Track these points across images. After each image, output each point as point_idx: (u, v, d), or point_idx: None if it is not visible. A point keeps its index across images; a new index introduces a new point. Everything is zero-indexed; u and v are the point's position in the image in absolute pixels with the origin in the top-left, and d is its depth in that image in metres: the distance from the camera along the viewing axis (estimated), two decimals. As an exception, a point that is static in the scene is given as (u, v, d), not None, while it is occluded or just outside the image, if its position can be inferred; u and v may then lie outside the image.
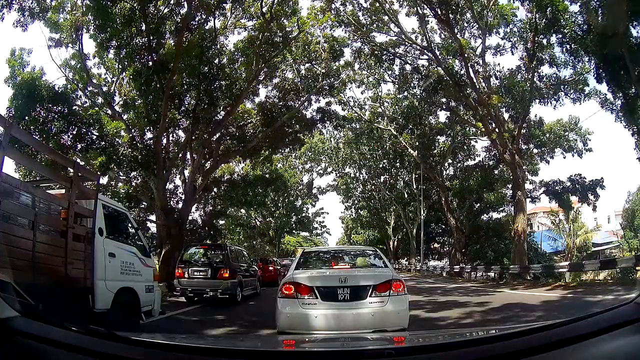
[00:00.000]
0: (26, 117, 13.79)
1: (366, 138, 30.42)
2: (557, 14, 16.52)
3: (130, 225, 6.51)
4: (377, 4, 20.69)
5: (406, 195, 34.99)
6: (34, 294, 1.93)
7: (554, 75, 21.45)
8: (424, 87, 23.25)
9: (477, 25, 20.44)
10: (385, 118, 28.86)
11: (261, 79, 19.04)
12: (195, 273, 11.17)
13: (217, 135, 18.82)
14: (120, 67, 16.79)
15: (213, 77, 16.66)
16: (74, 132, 15.00)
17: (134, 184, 19.28)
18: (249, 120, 20.02)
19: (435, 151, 30.03)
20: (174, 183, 20.97)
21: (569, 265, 16.03)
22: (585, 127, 25.51)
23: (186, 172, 19.36)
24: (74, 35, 15.91)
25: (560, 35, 17.43)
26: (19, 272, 3.63)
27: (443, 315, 7.89)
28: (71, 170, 5.28)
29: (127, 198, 18.77)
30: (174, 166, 18.55)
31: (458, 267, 25.41)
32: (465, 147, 30.14)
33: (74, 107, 15.83)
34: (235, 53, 18.59)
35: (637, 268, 13.00)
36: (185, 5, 14.91)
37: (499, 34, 21.41)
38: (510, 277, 18.41)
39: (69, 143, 15.10)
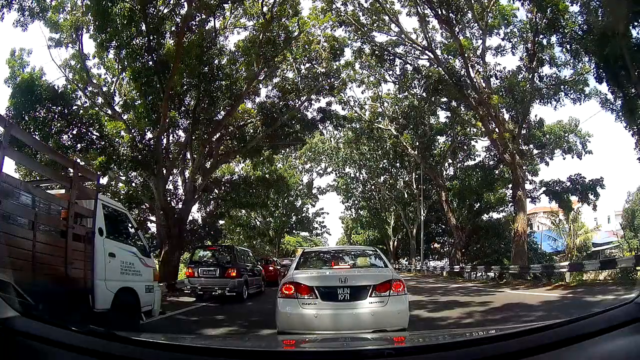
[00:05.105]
0: (26, 117, 13.77)
1: (366, 138, 30.40)
2: (557, 14, 16.55)
3: (130, 225, 6.51)
4: (378, 4, 20.69)
5: (406, 195, 34.98)
6: (34, 294, 1.93)
7: (554, 75, 21.51)
8: (425, 87, 23.28)
9: (477, 26, 20.45)
10: (386, 118, 28.86)
11: (261, 78, 19.03)
12: (205, 272, 11.89)
13: (217, 135, 18.79)
14: (120, 67, 16.78)
15: (213, 77, 16.65)
16: (74, 132, 14.98)
17: (134, 184, 19.27)
18: (249, 120, 20.01)
19: (435, 151, 30.04)
20: (175, 183, 20.98)
21: (569, 265, 16.01)
22: (585, 129, 25.61)
23: (186, 172, 19.36)
24: (74, 35, 15.91)
25: (561, 36, 17.46)
26: (19, 272, 3.64)
27: (444, 315, 7.89)
28: (71, 170, 5.28)
29: (127, 198, 18.75)
30: (174, 166, 18.54)
31: (458, 267, 25.40)
32: (465, 147, 30.14)
33: (74, 107, 15.81)
34: (236, 53, 18.60)
35: (637, 268, 13.00)
36: (185, 5, 14.90)
37: (500, 35, 21.47)
38: (510, 277, 18.42)
39: (69, 143, 15.07)
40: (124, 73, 16.96)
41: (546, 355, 1.39)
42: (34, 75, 14.97)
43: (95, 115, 16.16)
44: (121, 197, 18.54)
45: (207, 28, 16.26)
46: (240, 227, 32.80)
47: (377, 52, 22.82)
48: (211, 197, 23.08)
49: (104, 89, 17.70)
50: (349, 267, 5.76)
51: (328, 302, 4.61)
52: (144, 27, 14.20)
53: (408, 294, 5.00)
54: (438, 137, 29.84)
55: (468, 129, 27.63)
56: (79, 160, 13.40)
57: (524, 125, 21.72)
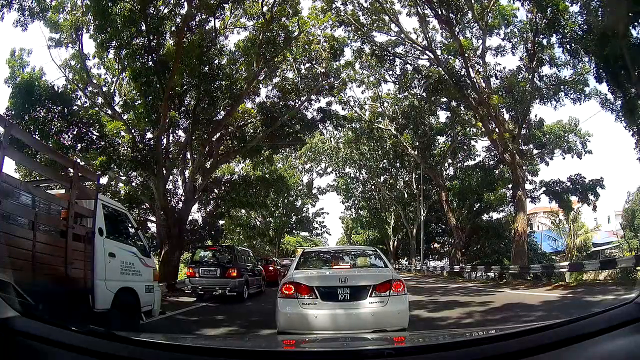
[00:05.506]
0: (26, 117, 13.78)
1: (366, 138, 30.40)
2: (557, 14, 16.55)
3: (130, 225, 6.51)
4: (378, 4, 20.69)
5: (406, 195, 34.98)
6: (34, 294, 1.93)
7: (554, 75, 21.54)
8: (425, 87, 23.26)
9: (477, 26, 20.45)
10: (386, 118, 28.86)
11: (261, 78, 19.04)
12: (205, 272, 11.98)
13: (217, 135, 18.80)
14: (120, 67, 16.79)
15: (213, 77, 16.66)
16: (74, 132, 14.98)
17: (134, 184, 19.28)
18: (249, 120, 20.02)
19: (435, 151, 30.04)
20: (175, 183, 20.98)
21: (569, 265, 16.01)
22: (585, 129, 25.61)
23: (186, 172, 19.38)
24: (74, 35, 15.90)
25: (561, 36, 17.46)
26: (19, 272, 3.63)
27: (444, 315, 7.89)
28: (71, 170, 5.28)
29: (127, 198, 18.75)
30: (174, 166, 18.54)
31: (458, 267, 25.40)
32: (465, 147, 30.15)
33: (74, 107, 15.82)
34: (236, 53, 18.61)
35: (637, 268, 13.01)
36: (185, 5, 14.91)
37: (500, 35, 21.49)
38: (510, 277, 18.42)
39: (69, 143, 15.07)
40: (124, 73, 16.97)
41: (546, 355, 1.39)
42: (34, 75, 14.98)
43: (95, 115, 16.17)
44: (121, 197, 18.54)
45: (207, 28, 16.27)
46: (240, 227, 32.79)
47: (377, 52, 22.80)
48: (211, 197, 23.08)
49: (104, 89, 17.70)
50: (349, 267, 5.76)
51: (328, 302, 4.60)
52: (144, 27, 14.21)
53: (408, 294, 5.00)
54: (438, 137, 29.84)
55: (468, 129, 27.63)
56: (79, 160, 13.42)
57: (524, 125, 21.72)
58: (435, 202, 32.88)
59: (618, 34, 12.57)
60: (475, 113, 21.99)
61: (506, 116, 22.08)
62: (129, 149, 15.87)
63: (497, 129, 20.12)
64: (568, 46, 17.61)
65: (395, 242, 41.31)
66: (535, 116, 25.87)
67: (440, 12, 19.24)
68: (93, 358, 1.53)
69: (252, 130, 19.96)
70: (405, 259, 41.97)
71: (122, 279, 5.55)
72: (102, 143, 15.48)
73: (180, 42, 14.37)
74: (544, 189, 25.09)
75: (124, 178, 18.77)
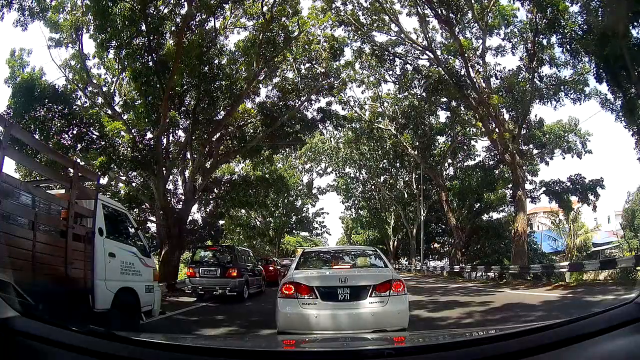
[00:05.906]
0: (26, 117, 13.78)
1: (366, 138, 30.41)
2: (557, 14, 16.55)
3: (130, 225, 6.51)
4: (377, 4, 20.69)
5: (406, 195, 34.98)
6: (34, 294, 1.93)
7: (554, 75, 21.53)
8: (425, 87, 23.27)
9: (477, 26, 20.45)
10: (386, 118, 28.86)
11: (261, 78, 19.03)
12: (206, 272, 12.04)
13: (217, 135, 18.80)
14: (120, 67, 16.79)
15: (213, 77, 16.66)
16: (74, 132, 14.98)
17: (134, 184, 19.27)
18: (249, 120, 20.01)
19: (435, 151, 30.05)
20: (175, 183, 20.98)
21: (569, 265, 16.01)
22: (585, 129, 25.61)
23: (186, 172, 19.37)
24: (74, 35, 15.92)
25: (561, 36, 17.46)
26: (19, 272, 3.63)
27: (444, 315, 7.89)
28: (71, 170, 5.28)
29: (127, 198, 18.75)
30: (174, 166, 18.54)
31: (458, 267, 25.41)
32: (465, 147, 30.15)
33: (74, 107, 15.82)
34: (236, 53, 18.61)
35: (637, 268, 13.01)
36: (185, 5, 14.91)
37: (500, 35, 21.49)
38: (510, 277, 18.42)
39: (69, 143, 15.07)
40: (124, 73, 16.97)
41: (546, 355, 1.39)
42: (34, 75, 14.99)
43: (95, 115, 16.16)
44: (121, 197, 18.53)
45: (207, 28, 16.27)
46: (240, 227, 32.78)
47: (377, 52, 22.81)
48: (211, 197, 23.08)
49: (104, 89, 17.71)
50: (349, 267, 5.76)
51: (328, 302, 4.61)
52: (144, 27, 14.20)
53: (408, 294, 5.00)
54: (438, 137, 29.85)
55: (468, 129, 27.64)
56: (79, 160, 13.42)
57: (524, 125, 21.71)
58: (435, 202, 32.88)
59: (618, 34, 12.58)
60: (475, 113, 21.99)
61: (506, 116, 22.08)
62: (129, 149, 15.87)
63: (497, 129, 20.12)
64: (568, 46, 17.60)
65: (395, 242, 41.31)
66: (535, 116, 25.92)
67: (440, 12, 19.24)
68: (93, 358, 1.53)
69: (252, 130, 19.96)
70: (405, 259, 41.98)
71: (122, 279, 5.55)
72: (102, 143, 15.46)
73: (180, 42, 14.36)
74: (544, 189, 25.10)
75: (124, 178, 18.76)
